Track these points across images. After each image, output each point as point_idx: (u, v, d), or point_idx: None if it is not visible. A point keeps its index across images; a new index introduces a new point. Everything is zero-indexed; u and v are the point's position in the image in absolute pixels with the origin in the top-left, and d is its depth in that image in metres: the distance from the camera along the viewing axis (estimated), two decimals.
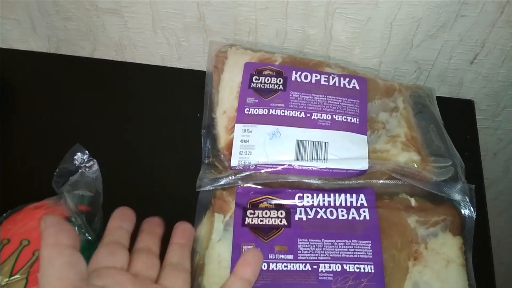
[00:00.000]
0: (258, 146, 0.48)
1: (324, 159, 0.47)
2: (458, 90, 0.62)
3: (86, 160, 0.48)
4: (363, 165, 0.46)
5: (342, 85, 0.52)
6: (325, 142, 0.48)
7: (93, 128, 0.59)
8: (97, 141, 0.55)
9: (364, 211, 0.46)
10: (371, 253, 0.44)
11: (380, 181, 0.48)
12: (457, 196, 0.46)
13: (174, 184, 0.54)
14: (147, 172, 0.55)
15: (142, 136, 0.58)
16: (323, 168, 0.47)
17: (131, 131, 0.59)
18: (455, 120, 0.59)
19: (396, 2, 0.51)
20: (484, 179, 0.56)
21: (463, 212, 0.47)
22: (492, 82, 0.60)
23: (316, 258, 0.44)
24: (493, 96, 0.62)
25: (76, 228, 0.42)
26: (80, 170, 0.48)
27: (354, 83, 0.53)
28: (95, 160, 0.49)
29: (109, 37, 0.63)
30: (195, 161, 0.51)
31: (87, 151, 0.49)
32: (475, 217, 0.47)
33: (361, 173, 0.47)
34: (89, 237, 0.42)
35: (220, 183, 0.47)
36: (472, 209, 0.47)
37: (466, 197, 0.47)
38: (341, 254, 0.44)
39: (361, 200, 0.47)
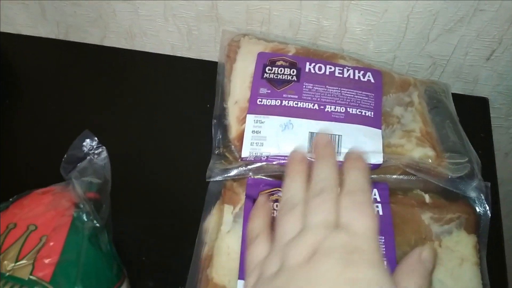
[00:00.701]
0: (270, 137, 0.48)
1: (337, 152, 0.46)
2: (473, 87, 0.61)
3: (95, 147, 0.48)
4: (378, 159, 0.45)
5: (356, 77, 0.51)
6: (339, 135, 0.47)
7: (102, 116, 0.58)
8: (106, 129, 0.54)
9: (377, 206, 0.46)
10: (384, 249, 0.43)
11: (394, 176, 0.47)
12: (473, 194, 0.45)
13: (183, 174, 0.53)
14: (156, 162, 0.54)
15: (151, 125, 0.58)
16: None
17: (140, 120, 0.58)
18: (469, 117, 0.58)
19: None
20: None
21: (478, 210, 0.46)
22: (507, 80, 0.59)
23: None
24: (507, 94, 0.61)
25: (85, 214, 0.41)
26: (88, 157, 0.47)
27: (369, 76, 0.52)
28: (104, 147, 0.48)
29: (119, 24, 0.62)
30: (205, 151, 0.50)
31: (96, 138, 0.48)
32: (490, 215, 0.46)
33: (375, 167, 0.46)
34: (97, 224, 0.42)
35: (230, 174, 0.46)
36: (488, 207, 0.46)
37: (481, 195, 0.46)
38: None
39: (375, 195, 0.46)
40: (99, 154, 0.47)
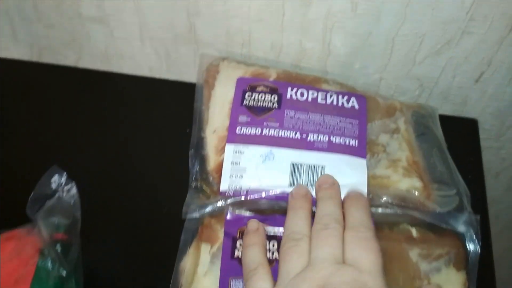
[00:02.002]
0: (250, 169, 0.45)
1: None
2: (462, 109, 0.59)
3: (63, 183, 0.45)
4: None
5: (340, 104, 0.49)
6: (322, 166, 0.45)
7: (74, 144, 0.55)
8: (77, 160, 0.52)
9: None
10: None
11: (380, 210, 0.45)
12: (462, 229, 0.43)
13: (159, 209, 0.50)
14: (131, 195, 0.51)
15: (126, 154, 0.55)
16: None
17: (115, 149, 0.55)
18: (458, 140, 0.56)
19: (399, 17, 0.48)
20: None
21: (467, 244, 0.44)
22: (498, 101, 0.57)
23: None
24: (498, 115, 0.59)
25: (50, 262, 0.38)
26: (57, 194, 0.45)
27: (353, 102, 0.49)
28: (73, 182, 0.45)
29: (94, 46, 0.59)
30: (183, 181, 0.47)
31: (65, 173, 0.45)
32: (479, 250, 0.44)
33: None
34: (63, 273, 0.39)
35: (208, 210, 0.44)
36: (477, 242, 0.44)
37: (471, 229, 0.43)
38: None
39: None
40: (68, 190, 0.45)
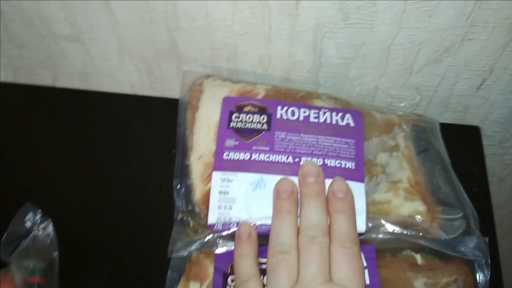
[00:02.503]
0: (239, 199, 0.42)
1: None
2: (463, 117, 0.56)
3: (39, 220, 0.41)
4: (361, 227, 0.40)
5: (334, 121, 0.46)
6: None
7: (50, 176, 0.51)
8: (53, 193, 0.48)
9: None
10: None
11: (381, 236, 0.42)
12: (470, 254, 0.40)
13: (143, 246, 0.47)
14: (112, 231, 0.48)
15: (108, 183, 0.51)
16: None
17: (95, 177, 0.52)
18: (460, 148, 0.53)
19: (394, 26, 0.45)
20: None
21: (476, 270, 0.41)
22: (501, 108, 0.54)
23: None
24: (501, 122, 0.56)
25: None
26: (32, 233, 0.41)
27: (348, 119, 0.46)
28: (49, 220, 0.42)
29: (71, 65, 0.56)
30: (168, 214, 0.44)
31: (40, 210, 0.42)
32: (489, 277, 0.41)
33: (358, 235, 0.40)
34: None
35: (196, 247, 0.41)
36: (487, 268, 0.41)
37: (480, 254, 0.40)
38: None
39: None
40: (44, 228, 0.41)
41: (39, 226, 0.41)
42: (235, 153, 0.44)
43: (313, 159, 0.43)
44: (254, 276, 0.36)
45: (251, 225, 0.40)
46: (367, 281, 0.40)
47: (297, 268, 0.35)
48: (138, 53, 0.52)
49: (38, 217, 0.42)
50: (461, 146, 0.54)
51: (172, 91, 0.57)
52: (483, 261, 0.41)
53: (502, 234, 0.81)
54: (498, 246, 0.47)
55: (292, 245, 0.36)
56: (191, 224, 0.42)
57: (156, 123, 0.56)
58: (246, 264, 0.37)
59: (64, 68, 0.56)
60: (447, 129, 0.51)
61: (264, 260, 0.41)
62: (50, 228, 0.41)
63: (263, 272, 0.39)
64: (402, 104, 0.55)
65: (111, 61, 0.54)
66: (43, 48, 0.54)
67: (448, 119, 0.56)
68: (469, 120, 0.57)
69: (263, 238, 0.41)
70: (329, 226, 0.37)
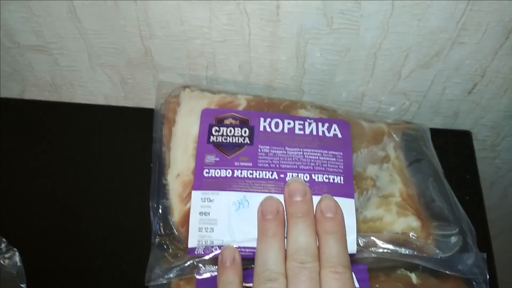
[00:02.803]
0: (221, 220, 0.39)
1: None
2: (453, 121, 0.54)
3: (4, 250, 0.38)
4: (351, 247, 0.37)
5: (321, 133, 0.43)
6: None
7: (15, 200, 0.48)
8: (19, 219, 0.45)
9: None
10: None
11: (373, 255, 0.39)
12: (468, 272, 0.38)
13: (118, 273, 0.44)
14: (84, 258, 0.44)
15: (80, 202, 0.48)
16: None
17: (65, 198, 0.48)
18: (451, 154, 0.51)
19: (381, 31, 0.42)
20: None
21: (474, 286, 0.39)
22: (492, 112, 0.52)
23: None
24: (492, 126, 0.54)
25: None
26: None
27: (335, 130, 0.43)
28: (15, 249, 0.38)
29: (38, 77, 0.52)
30: (146, 234, 0.41)
31: (4, 239, 0.38)
32: None
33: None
34: None
35: (175, 273, 0.38)
36: (485, 284, 0.38)
37: (478, 271, 0.38)
38: None
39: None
40: (10, 258, 0.38)
41: (4, 256, 0.38)
42: (216, 170, 0.41)
43: (300, 175, 0.40)
44: None
45: (235, 248, 0.37)
46: None
47: None
48: (110, 62, 0.49)
49: (3, 246, 0.38)
50: (452, 151, 0.52)
51: (148, 101, 0.54)
52: (481, 278, 0.38)
53: (492, 235, 0.80)
54: (494, 260, 0.45)
55: (279, 271, 0.33)
56: (170, 248, 0.39)
57: (132, 135, 0.52)
58: None
59: (32, 80, 0.53)
60: (437, 134, 0.49)
61: (249, 285, 0.38)
62: (17, 258, 0.38)
63: None
64: (391, 109, 0.53)
65: (81, 72, 0.51)
66: (9, 59, 0.50)
67: (439, 124, 0.54)
68: (460, 124, 0.54)
69: (247, 262, 0.38)
70: (318, 248, 0.35)
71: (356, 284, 0.38)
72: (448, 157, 0.48)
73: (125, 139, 0.52)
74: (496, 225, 0.76)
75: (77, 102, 0.55)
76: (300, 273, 0.33)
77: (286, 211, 0.37)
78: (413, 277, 0.39)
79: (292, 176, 0.40)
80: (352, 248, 0.37)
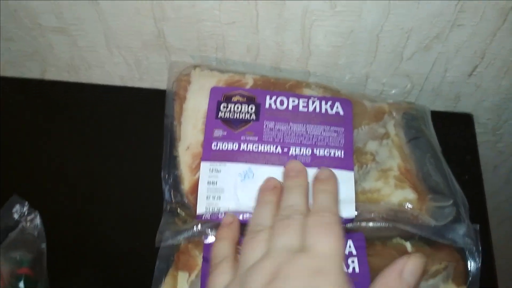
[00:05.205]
0: (228, 189, 0.42)
1: None
2: (455, 104, 0.56)
3: (26, 212, 0.41)
4: (350, 212, 0.39)
5: (323, 110, 0.45)
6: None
7: (37, 168, 0.51)
8: (40, 186, 0.48)
9: (353, 261, 0.40)
10: None
11: (371, 224, 0.41)
12: (461, 241, 0.40)
13: (131, 236, 0.46)
14: (100, 221, 0.47)
15: (96, 175, 0.51)
16: None
17: (82, 170, 0.51)
18: (453, 136, 0.53)
19: (382, 13, 0.44)
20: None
21: (467, 258, 0.41)
22: (493, 95, 0.54)
23: None
24: (493, 109, 0.56)
25: None
26: (20, 225, 0.41)
27: (337, 107, 0.46)
28: (37, 212, 0.42)
29: (58, 57, 0.55)
30: (158, 202, 0.44)
31: (27, 202, 0.41)
32: (480, 263, 0.40)
33: (347, 222, 0.40)
34: None
35: (184, 236, 0.40)
36: (478, 255, 0.40)
37: (470, 241, 0.40)
38: None
39: (349, 247, 0.41)
40: (31, 220, 0.41)
41: (26, 218, 0.41)
42: (223, 143, 0.43)
43: (302, 149, 0.43)
44: (227, 257, 0.35)
45: (235, 216, 0.39)
46: (357, 270, 0.40)
47: (268, 243, 0.32)
48: (126, 44, 0.52)
49: (25, 209, 0.41)
50: (453, 134, 0.54)
51: (161, 82, 0.57)
52: (473, 248, 0.40)
53: (498, 222, 0.81)
54: (490, 234, 0.46)
55: (266, 225, 0.33)
56: (180, 214, 0.42)
57: (146, 115, 0.55)
58: (221, 246, 0.36)
59: (52, 60, 0.56)
60: (439, 116, 0.51)
61: None
62: (38, 220, 0.41)
63: None
64: (393, 92, 0.54)
65: (99, 53, 0.54)
66: (30, 40, 0.53)
67: (440, 106, 0.56)
68: (461, 107, 0.56)
69: None
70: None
71: (354, 251, 0.40)
72: (449, 139, 0.49)
73: (140, 118, 0.55)
74: (500, 211, 0.77)
75: (94, 83, 0.58)
76: (283, 222, 0.32)
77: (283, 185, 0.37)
78: (408, 245, 0.42)
79: (295, 150, 0.43)
80: (351, 213, 0.39)
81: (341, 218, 0.34)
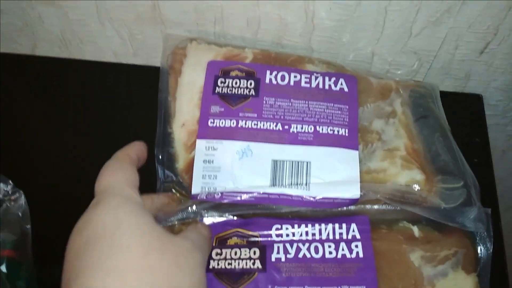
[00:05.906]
0: (224, 168, 0.39)
1: (306, 184, 0.38)
2: (465, 84, 0.53)
3: (10, 191, 0.39)
4: (354, 192, 0.37)
5: (327, 86, 0.43)
6: (307, 162, 0.39)
7: (24, 149, 0.49)
8: (27, 164, 0.45)
9: (356, 246, 0.38)
10: None
11: (376, 207, 0.39)
12: (471, 225, 0.37)
13: None
14: (89, 203, 0.44)
15: (87, 153, 0.48)
16: (304, 197, 0.38)
17: (73, 149, 0.49)
18: (462, 118, 0.51)
19: None
20: None
21: (478, 243, 0.38)
22: (505, 74, 0.51)
23: None
24: (505, 89, 0.53)
25: None
26: (4, 205, 0.39)
27: (341, 84, 0.43)
28: (21, 191, 0.39)
29: (48, 31, 0.52)
30: (150, 184, 0.41)
31: (10, 181, 0.39)
32: (492, 249, 0.38)
33: (352, 203, 0.38)
34: None
35: (178, 217, 0.38)
36: (489, 240, 0.38)
37: (481, 226, 0.38)
38: None
39: (353, 231, 0.38)
40: (16, 200, 0.39)
41: (10, 198, 0.39)
42: (220, 120, 0.41)
43: (304, 126, 0.40)
44: None
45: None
46: (361, 254, 0.37)
47: None
48: (119, 17, 0.49)
49: (9, 188, 0.39)
50: (462, 115, 0.52)
51: (157, 59, 0.54)
52: (484, 233, 0.38)
53: (505, 208, 0.79)
54: (500, 219, 0.44)
55: None
56: (174, 194, 0.39)
57: (140, 92, 0.53)
58: None
59: (43, 34, 0.53)
60: (448, 97, 0.48)
61: (249, 232, 0.38)
62: (22, 200, 0.39)
63: (249, 244, 0.37)
64: (399, 72, 0.52)
65: (91, 26, 0.51)
66: (19, 13, 0.50)
67: (449, 87, 0.53)
68: (471, 88, 0.54)
69: (249, 207, 0.38)
70: None
71: (358, 235, 0.38)
72: (458, 120, 0.47)
73: (133, 96, 0.53)
74: (507, 197, 0.75)
75: (87, 59, 0.56)
76: None
77: None
78: (415, 230, 0.39)
79: (297, 127, 0.40)
80: (355, 193, 0.37)
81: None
